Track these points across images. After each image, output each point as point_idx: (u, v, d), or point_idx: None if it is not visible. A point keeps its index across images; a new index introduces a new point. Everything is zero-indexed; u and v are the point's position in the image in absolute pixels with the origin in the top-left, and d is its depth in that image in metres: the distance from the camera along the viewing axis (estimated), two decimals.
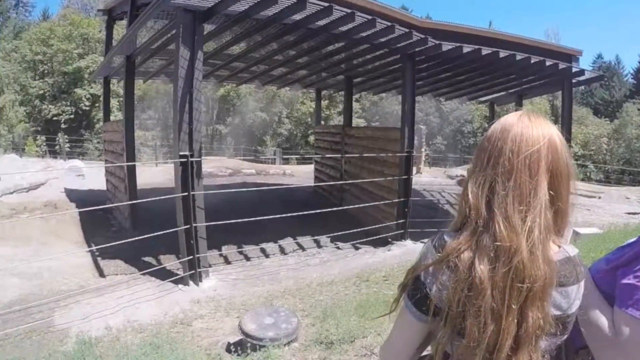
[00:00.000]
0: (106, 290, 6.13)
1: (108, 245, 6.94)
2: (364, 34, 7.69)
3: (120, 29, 15.20)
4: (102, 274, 6.88)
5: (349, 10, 6.81)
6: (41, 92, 40.28)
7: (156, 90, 34.57)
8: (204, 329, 5.08)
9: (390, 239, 8.51)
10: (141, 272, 6.60)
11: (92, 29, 41.70)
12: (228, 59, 10.39)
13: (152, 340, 4.47)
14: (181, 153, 6.09)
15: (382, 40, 7.97)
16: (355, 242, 8.27)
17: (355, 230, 8.13)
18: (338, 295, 5.84)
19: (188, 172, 6.05)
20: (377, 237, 8.40)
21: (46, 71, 41.22)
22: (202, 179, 6.44)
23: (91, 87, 38.74)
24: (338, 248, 8.43)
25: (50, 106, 39.42)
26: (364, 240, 8.22)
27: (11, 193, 11.66)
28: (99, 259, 7.39)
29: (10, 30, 66.03)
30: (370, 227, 8.52)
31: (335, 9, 6.57)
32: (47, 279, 6.58)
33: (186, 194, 6.05)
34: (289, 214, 7.49)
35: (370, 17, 7.07)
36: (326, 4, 6.54)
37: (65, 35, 40.76)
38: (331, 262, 7.60)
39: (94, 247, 7.71)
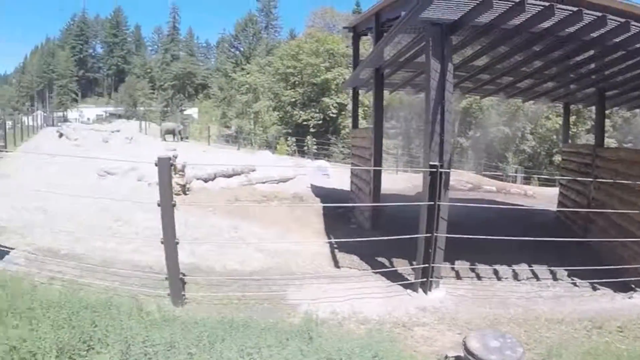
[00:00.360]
0: (338, 279, 6.55)
1: (346, 240, 7.52)
2: (616, 40, 6.78)
3: (362, 43, 16.09)
4: (336, 265, 7.35)
5: (599, 14, 6.02)
6: (292, 100, 45.13)
7: (399, 101, 35.77)
8: (424, 337, 5.11)
9: (633, 285, 7.30)
10: (373, 270, 6.89)
11: (336, 45, 45.14)
12: (473, 71, 10.24)
13: (374, 334, 4.64)
14: (431, 163, 6.16)
15: (638, 46, 6.95)
16: (594, 281, 7.37)
17: (596, 267, 7.26)
18: (565, 336, 5.37)
19: (436, 182, 6.06)
20: (620, 280, 7.32)
21: (297, 82, 45.91)
22: (448, 190, 6.43)
23: (337, 97, 42.01)
24: (574, 284, 7.61)
25: (300, 112, 43.96)
26: (604, 280, 7.27)
27: (263, 183, 13.39)
28: (336, 251, 7.88)
29: (263, 48, 76.91)
30: (613, 267, 7.47)
31: (585, 14, 5.91)
32: (287, 259, 7.32)
33: (432, 203, 6.07)
34: (526, 238, 7.04)
35: (623, 20, 6.22)
36: (575, 9, 5.93)
37: (312, 51, 44.92)
38: (564, 299, 6.92)
39: (332, 240, 8.30)
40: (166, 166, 5.25)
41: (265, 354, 3.80)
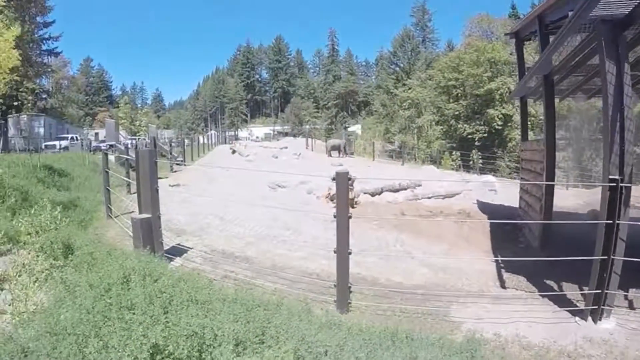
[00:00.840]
0: (503, 300, 6.32)
1: (514, 259, 7.28)
2: None
3: (524, 48, 15.12)
4: (502, 285, 7.03)
5: None
6: (456, 113, 44.43)
7: (567, 109, 33.09)
8: None
9: None
10: (539, 293, 6.49)
11: (497, 53, 43.50)
12: None
13: None
14: (611, 177, 5.61)
15: None
16: None
17: None
18: None
19: (616, 198, 5.48)
20: None
21: (459, 94, 45.19)
22: (629, 208, 5.79)
23: (502, 108, 40.34)
24: None
25: (464, 125, 43.15)
26: None
27: (429, 198, 13.43)
28: (502, 270, 7.55)
29: (423, 63, 77.02)
30: None
31: None
32: (451, 276, 7.21)
33: (610, 221, 5.51)
34: None
35: None
36: None
37: (472, 61, 43.82)
38: None
39: (499, 258, 7.96)
40: (344, 180, 5.60)
41: None
